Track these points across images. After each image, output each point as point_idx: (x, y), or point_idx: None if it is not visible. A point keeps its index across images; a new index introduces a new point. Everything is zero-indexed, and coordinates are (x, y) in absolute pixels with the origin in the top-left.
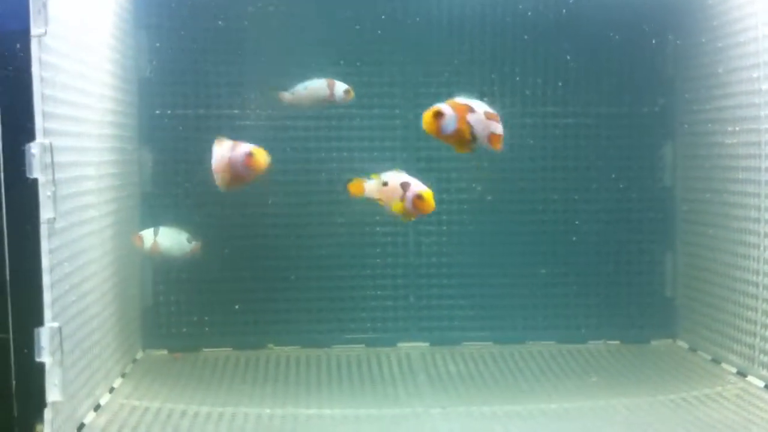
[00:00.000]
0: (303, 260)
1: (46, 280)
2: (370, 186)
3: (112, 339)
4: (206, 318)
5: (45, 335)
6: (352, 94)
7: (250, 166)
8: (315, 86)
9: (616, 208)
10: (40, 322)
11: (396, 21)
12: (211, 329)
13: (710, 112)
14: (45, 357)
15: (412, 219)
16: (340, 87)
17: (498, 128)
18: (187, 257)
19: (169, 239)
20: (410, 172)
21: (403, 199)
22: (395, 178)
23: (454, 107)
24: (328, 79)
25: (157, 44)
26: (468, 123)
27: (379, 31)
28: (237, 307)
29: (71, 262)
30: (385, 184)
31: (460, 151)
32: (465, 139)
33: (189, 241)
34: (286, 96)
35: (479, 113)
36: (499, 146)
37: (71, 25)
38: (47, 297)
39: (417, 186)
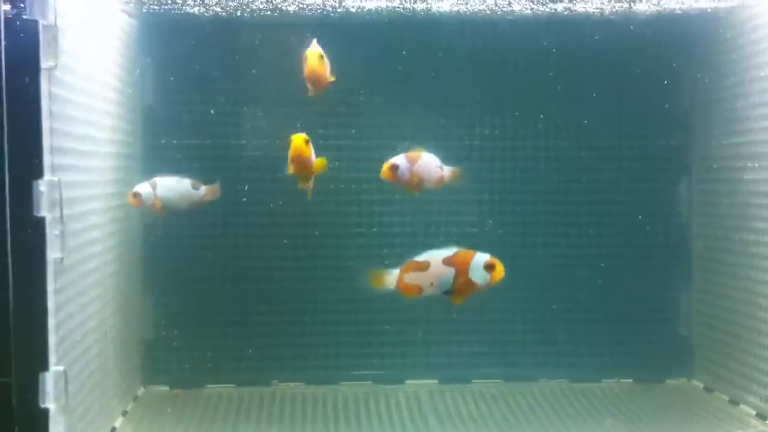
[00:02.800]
0: (309, 295)
1: (52, 321)
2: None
3: (114, 377)
4: (209, 353)
5: (50, 380)
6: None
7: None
8: None
9: (630, 244)
10: (44, 366)
11: (416, 55)
12: (214, 365)
13: (728, 148)
14: (49, 403)
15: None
16: None
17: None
18: (199, 206)
19: (172, 190)
20: (419, 204)
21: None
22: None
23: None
24: None
25: (163, 73)
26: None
27: (400, 67)
28: (241, 342)
29: (76, 300)
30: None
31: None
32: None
33: (195, 188)
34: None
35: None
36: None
37: (80, 56)
38: (52, 339)
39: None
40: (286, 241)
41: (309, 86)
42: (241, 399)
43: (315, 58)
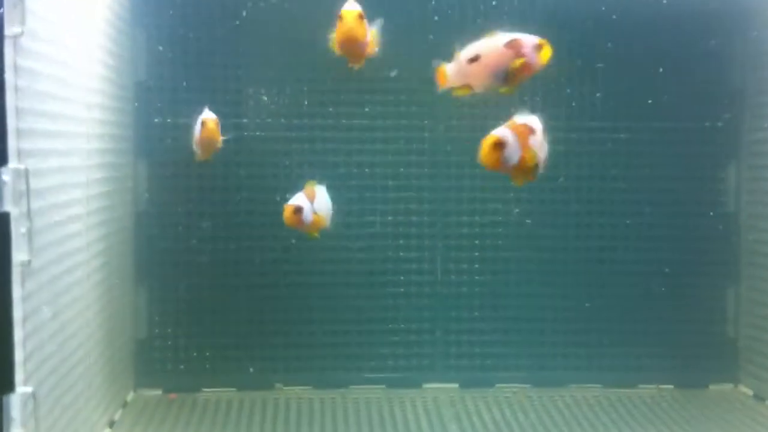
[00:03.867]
0: (316, 290)
1: (19, 334)
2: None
3: (100, 383)
4: (207, 353)
5: (16, 404)
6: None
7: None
8: None
9: (672, 236)
10: (9, 387)
11: (428, 23)
12: (212, 366)
13: None
14: (15, 429)
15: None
16: None
17: (546, 148)
18: None
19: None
20: (438, 191)
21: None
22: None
23: (515, 131)
24: None
25: (158, 45)
26: (531, 149)
27: (406, 35)
28: (242, 342)
29: (51, 305)
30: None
31: (519, 182)
32: (528, 168)
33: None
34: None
35: (538, 134)
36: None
37: (55, 22)
38: (19, 355)
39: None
40: (294, 241)
41: (345, 55)
42: (242, 404)
43: (352, 18)
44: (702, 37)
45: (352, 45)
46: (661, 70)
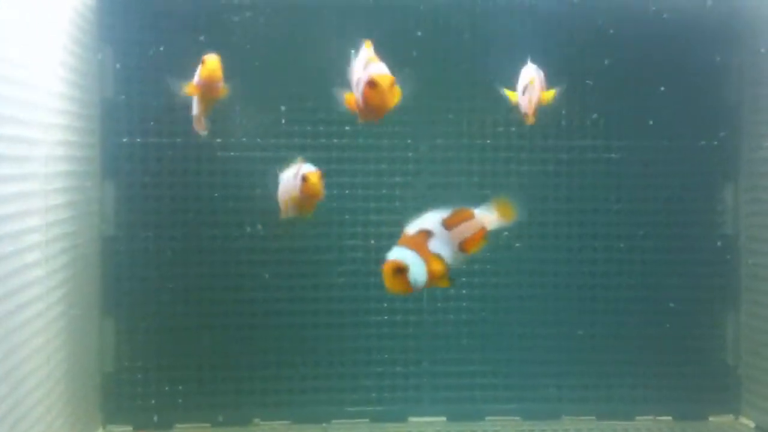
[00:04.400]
0: (296, 318)
1: None
2: None
3: (63, 422)
4: (179, 387)
5: None
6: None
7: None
8: None
9: (667, 260)
10: None
11: (408, 36)
12: (186, 401)
13: None
14: None
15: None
16: None
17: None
18: None
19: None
20: (424, 210)
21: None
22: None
23: (413, 246)
24: None
25: (125, 61)
26: (435, 257)
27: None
28: (217, 375)
29: (3, 344)
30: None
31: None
32: (441, 276)
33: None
34: None
35: (438, 234)
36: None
37: (8, 39)
38: None
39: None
40: (271, 269)
41: (364, 113)
42: None
43: (387, 86)
44: (697, 54)
45: (383, 112)
46: (655, 87)
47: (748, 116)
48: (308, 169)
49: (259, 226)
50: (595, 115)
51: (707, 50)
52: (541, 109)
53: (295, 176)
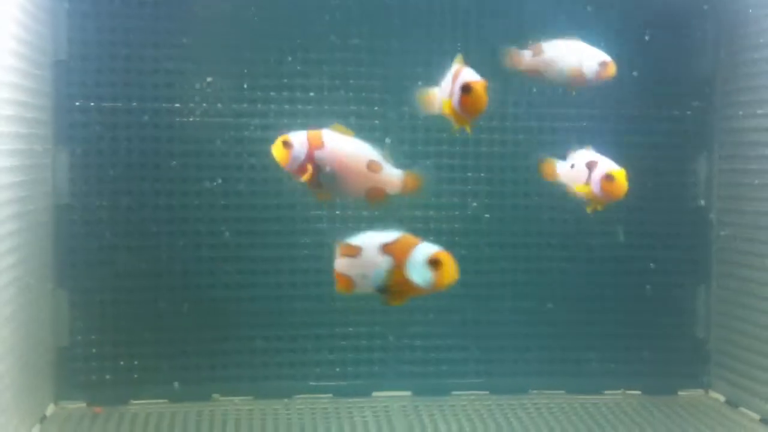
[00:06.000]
0: (257, 290)
1: None
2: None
3: (12, 397)
4: (136, 362)
5: None
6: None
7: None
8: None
9: (638, 232)
10: None
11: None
12: (142, 376)
13: (760, 118)
14: None
15: (600, 208)
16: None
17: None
18: None
19: None
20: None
21: (588, 181)
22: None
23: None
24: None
25: (81, 20)
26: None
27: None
28: (175, 349)
29: None
30: (572, 166)
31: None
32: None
33: None
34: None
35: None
36: None
37: None
38: None
39: (606, 165)
40: (232, 238)
41: (460, 119)
42: (175, 417)
43: (483, 91)
44: (670, 20)
45: (478, 115)
46: (628, 57)
47: (722, 86)
48: (470, 76)
49: (222, 201)
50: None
51: (681, 20)
52: (517, 76)
53: (453, 83)
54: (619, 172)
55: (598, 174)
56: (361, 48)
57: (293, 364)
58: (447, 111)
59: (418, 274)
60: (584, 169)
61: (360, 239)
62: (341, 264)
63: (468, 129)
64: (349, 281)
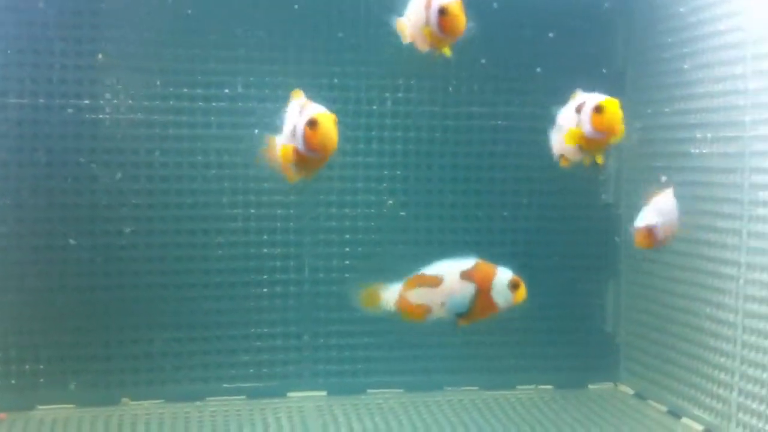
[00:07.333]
0: (168, 291)
1: None
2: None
3: None
4: (41, 366)
5: None
6: None
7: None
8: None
9: (547, 228)
10: None
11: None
12: (48, 380)
13: (670, 116)
14: None
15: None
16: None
17: None
18: None
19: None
20: (305, 183)
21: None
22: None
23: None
24: None
25: None
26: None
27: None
28: (82, 351)
29: None
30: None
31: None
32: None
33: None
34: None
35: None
36: None
37: None
38: None
39: (593, 99)
40: (141, 234)
41: (440, 43)
42: (82, 422)
43: (459, 9)
44: (581, 14)
45: (457, 36)
46: (540, 53)
47: (632, 84)
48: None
49: (133, 200)
50: (481, 81)
51: (593, 16)
52: (432, 76)
53: (427, 10)
54: (609, 101)
55: (586, 111)
56: (276, 46)
57: (206, 365)
58: (426, 36)
59: (503, 297)
60: (574, 116)
61: (437, 269)
62: (418, 294)
63: (448, 52)
64: (425, 309)
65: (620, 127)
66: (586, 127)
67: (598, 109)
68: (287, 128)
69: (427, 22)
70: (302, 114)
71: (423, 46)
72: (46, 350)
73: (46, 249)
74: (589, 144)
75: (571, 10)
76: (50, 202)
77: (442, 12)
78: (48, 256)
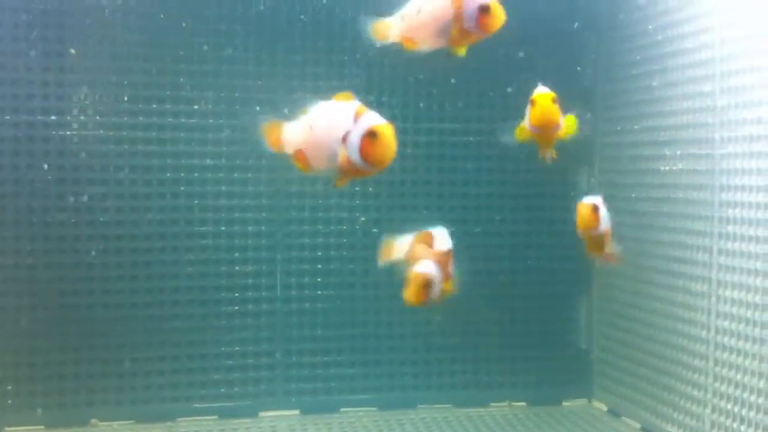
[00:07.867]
0: (137, 309)
1: None
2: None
3: None
4: (8, 386)
5: None
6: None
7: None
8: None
9: (521, 244)
10: None
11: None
12: (16, 401)
13: (640, 133)
14: None
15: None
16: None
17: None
18: None
19: None
20: (277, 197)
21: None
22: None
23: (438, 261)
24: None
25: None
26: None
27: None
28: (51, 371)
29: None
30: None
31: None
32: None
33: None
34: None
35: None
36: None
37: None
38: None
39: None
40: (109, 251)
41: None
42: None
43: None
44: (551, 32)
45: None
46: (512, 69)
47: (602, 102)
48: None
49: (101, 218)
50: (452, 98)
51: (564, 34)
52: (404, 91)
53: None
54: (540, 96)
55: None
56: (247, 59)
57: (176, 385)
58: (454, 34)
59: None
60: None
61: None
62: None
63: (463, 52)
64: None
65: (553, 118)
66: (526, 122)
67: (532, 103)
68: (441, 13)
69: (457, 20)
70: (358, 122)
71: (434, 45)
72: (13, 371)
73: (13, 268)
74: (538, 138)
75: (541, 28)
76: (17, 220)
77: (485, 10)
78: (15, 275)
